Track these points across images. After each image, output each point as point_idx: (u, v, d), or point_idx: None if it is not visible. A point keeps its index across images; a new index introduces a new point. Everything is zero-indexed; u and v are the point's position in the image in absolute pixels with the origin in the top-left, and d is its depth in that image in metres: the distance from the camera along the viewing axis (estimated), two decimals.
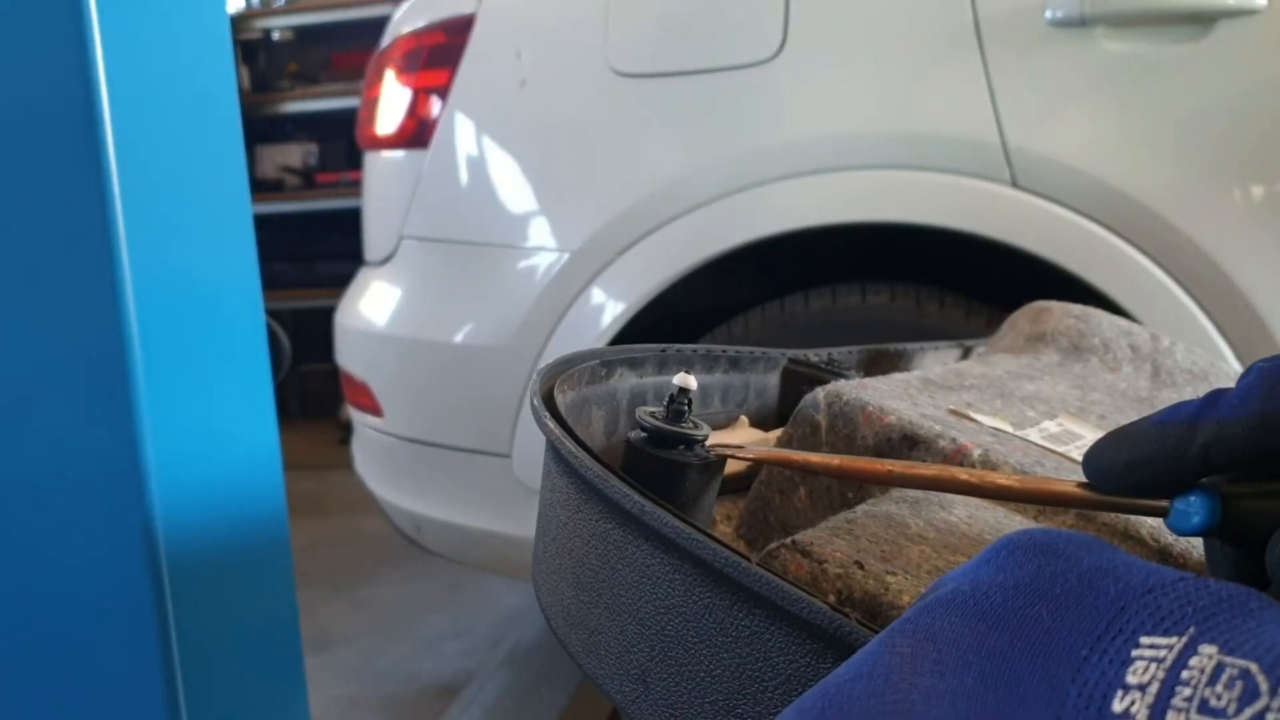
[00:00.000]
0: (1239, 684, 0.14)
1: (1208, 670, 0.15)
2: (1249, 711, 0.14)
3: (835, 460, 0.33)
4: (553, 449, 0.36)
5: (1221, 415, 0.25)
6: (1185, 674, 0.15)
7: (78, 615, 0.69)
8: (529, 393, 0.38)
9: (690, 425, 0.35)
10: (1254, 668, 0.14)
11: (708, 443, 0.36)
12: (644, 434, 0.35)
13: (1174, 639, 0.16)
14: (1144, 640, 0.16)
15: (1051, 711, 0.16)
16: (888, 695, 0.18)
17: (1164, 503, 0.27)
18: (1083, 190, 1.15)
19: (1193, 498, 0.26)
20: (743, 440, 0.52)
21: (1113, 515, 0.37)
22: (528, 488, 1.35)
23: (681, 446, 0.35)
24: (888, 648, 0.19)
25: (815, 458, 0.34)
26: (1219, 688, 0.15)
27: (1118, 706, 0.15)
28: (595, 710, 1.63)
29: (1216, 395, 0.26)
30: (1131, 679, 0.16)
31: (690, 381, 0.35)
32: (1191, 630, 0.16)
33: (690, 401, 0.35)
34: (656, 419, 0.35)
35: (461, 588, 2.19)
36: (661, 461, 0.34)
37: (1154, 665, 0.15)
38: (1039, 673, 0.17)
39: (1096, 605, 0.17)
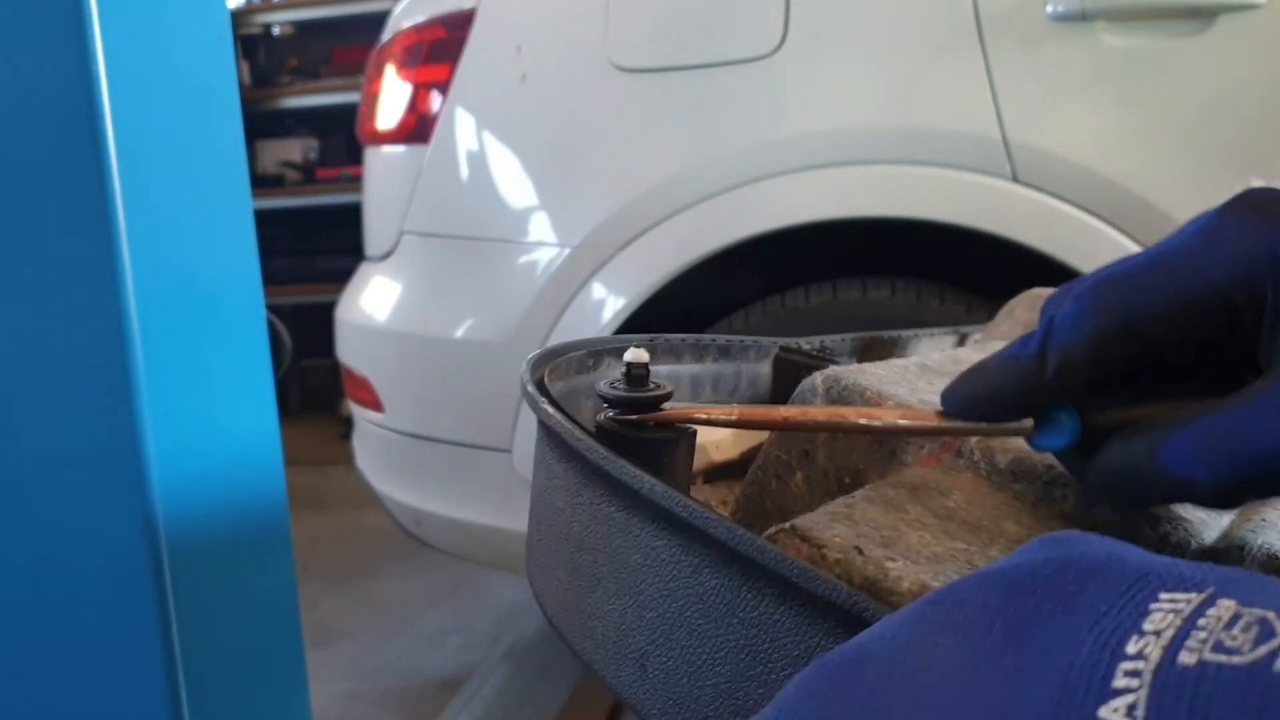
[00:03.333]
0: (1255, 627, 0.15)
1: (1224, 619, 0.15)
2: (1264, 649, 0.14)
3: (735, 412, 0.35)
4: (550, 434, 0.35)
5: (1062, 341, 0.29)
6: (1202, 621, 0.15)
7: (79, 609, 0.69)
8: (522, 380, 0.38)
9: (654, 387, 0.35)
10: (1271, 615, 0.15)
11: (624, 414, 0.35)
12: (606, 404, 0.35)
13: (1193, 594, 0.16)
14: (1164, 595, 0.16)
15: (1067, 659, 0.16)
16: (907, 655, 0.19)
17: (1025, 423, 0.31)
18: (1084, 185, 1.15)
19: (1061, 417, 0.30)
20: (732, 431, 0.52)
21: (1109, 515, 0.38)
22: (528, 482, 1.35)
23: (651, 423, 0.35)
24: (915, 615, 0.20)
25: (717, 411, 0.36)
26: (1235, 630, 0.15)
27: (1131, 649, 0.16)
28: (596, 704, 1.63)
29: (1049, 322, 0.29)
30: (1148, 626, 0.16)
31: (641, 355, 0.35)
32: (1211, 589, 0.16)
33: (648, 369, 0.35)
34: (617, 389, 0.35)
35: (462, 583, 2.19)
36: (633, 440, 0.34)
37: (1172, 615, 0.16)
38: (1059, 630, 0.17)
39: (1121, 572, 0.18)
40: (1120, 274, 0.28)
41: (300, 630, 0.87)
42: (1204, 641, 0.15)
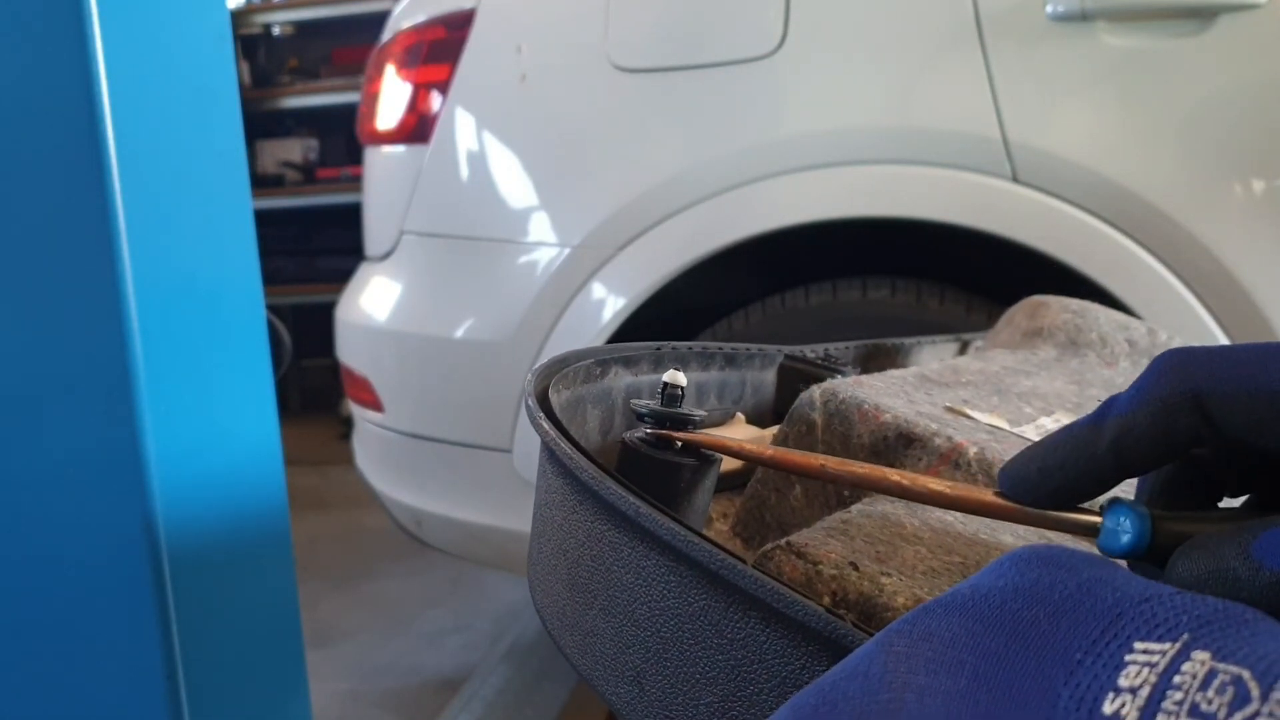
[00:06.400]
0: (1230, 689, 0.14)
1: (1199, 675, 0.15)
2: (1239, 715, 0.14)
3: (768, 452, 0.33)
4: (548, 450, 0.36)
5: (1123, 410, 0.25)
6: (1177, 679, 0.15)
7: (80, 610, 0.69)
8: (524, 393, 0.38)
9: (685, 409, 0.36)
10: (1246, 674, 0.14)
11: (693, 432, 0.36)
12: (639, 419, 0.35)
13: (1168, 645, 0.16)
14: (1138, 645, 0.16)
15: (1043, 713, 0.16)
16: (881, 694, 0.18)
17: (1094, 518, 0.27)
18: (1084, 185, 1.15)
19: (1123, 517, 0.26)
20: (740, 438, 0.52)
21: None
22: (528, 482, 1.35)
23: (677, 443, 0.35)
24: (884, 647, 0.19)
25: (750, 448, 0.34)
26: (1210, 693, 0.15)
27: (1108, 708, 0.15)
28: (595, 705, 1.64)
29: (1116, 395, 0.26)
30: (1124, 682, 0.16)
31: (680, 379, 0.35)
32: (1185, 637, 0.16)
33: (683, 391, 0.36)
34: (650, 406, 0.35)
35: (462, 582, 2.19)
36: (656, 461, 0.34)
37: (1146, 669, 0.15)
38: (1033, 675, 0.17)
39: (1093, 611, 0.17)
40: (1205, 349, 0.25)
41: (300, 630, 0.87)
42: (1180, 704, 0.15)
